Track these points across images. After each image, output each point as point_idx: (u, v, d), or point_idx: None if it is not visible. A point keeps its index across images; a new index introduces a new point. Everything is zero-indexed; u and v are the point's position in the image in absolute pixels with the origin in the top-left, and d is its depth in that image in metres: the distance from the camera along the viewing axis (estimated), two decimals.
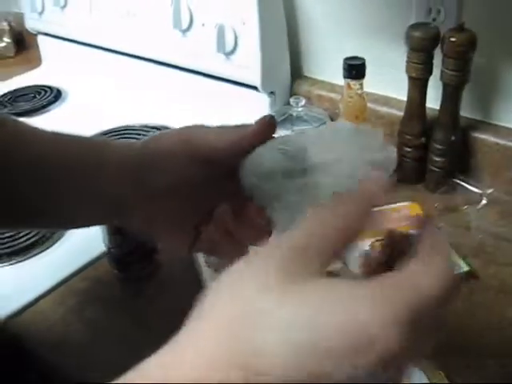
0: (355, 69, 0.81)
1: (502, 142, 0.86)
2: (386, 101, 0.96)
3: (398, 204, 0.86)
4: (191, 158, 0.48)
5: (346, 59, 0.82)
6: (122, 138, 1.09)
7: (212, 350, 0.28)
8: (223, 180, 0.49)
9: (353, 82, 0.82)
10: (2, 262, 0.81)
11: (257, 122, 0.47)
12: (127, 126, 1.12)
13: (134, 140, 1.05)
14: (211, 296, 0.31)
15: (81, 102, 1.25)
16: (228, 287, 0.31)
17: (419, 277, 0.31)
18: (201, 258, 0.72)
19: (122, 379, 0.28)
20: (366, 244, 0.77)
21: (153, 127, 1.10)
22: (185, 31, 1.03)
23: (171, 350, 0.29)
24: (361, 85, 0.83)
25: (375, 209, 0.35)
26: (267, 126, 0.47)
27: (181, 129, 0.51)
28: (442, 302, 0.31)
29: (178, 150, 0.48)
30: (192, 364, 0.28)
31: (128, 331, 0.71)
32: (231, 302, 0.30)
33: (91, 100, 1.23)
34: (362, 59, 0.81)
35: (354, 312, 0.28)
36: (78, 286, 0.76)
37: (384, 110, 0.94)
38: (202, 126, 0.50)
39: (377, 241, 0.77)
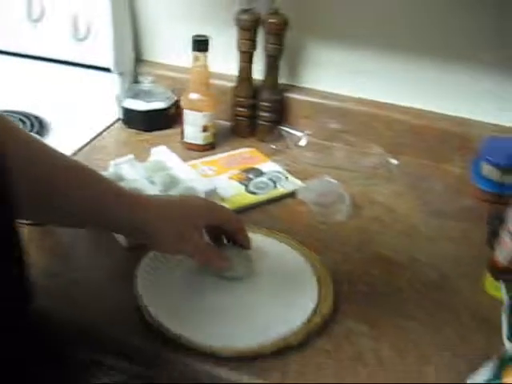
0: (202, 43, 1.03)
1: (310, 99, 1.15)
2: (219, 76, 1.18)
3: (239, 150, 1.10)
4: None
5: (194, 36, 1.03)
6: None
7: None
8: None
9: (200, 55, 1.04)
10: None
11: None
12: None
13: None
14: None
15: None
16: None
17: None
18: None
19: None
20: (223, 177, 1.00)
21: (12, 112, 1.19)
22: (37, 21, 1.16)
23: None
24: (205, 57, 1.05)
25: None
26: None
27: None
28: None
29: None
30: None
31: None
32: None
33: None
34: (206, 36, 1.04)
35: None
36: None
37: (216, 82, 1.17)
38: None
39: (233, 175, 1.01)
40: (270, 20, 1.06)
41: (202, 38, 1.03)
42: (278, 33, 1.07)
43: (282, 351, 0.67)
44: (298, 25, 1.10)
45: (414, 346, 0.71)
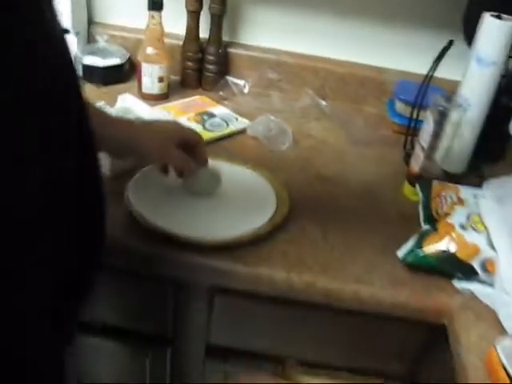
0: (157, 3, 1.18)
1: (249, 53, 1.33)
2: (168, 35, 1.33)
3: (192, 98, 1.26)
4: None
5: None
6: None
7: None
8: None
9: (156, 13, 1.19)
10: None
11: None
12: None
13: None
14: None
15: None
16: None
17: None
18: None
19: None
20: (182, 119, 1.16)
21: None
22: None
23: None
24: (160, 16, 1.20)
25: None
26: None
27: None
28: None
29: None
30: None
31: None
32: None
33: None
34: None
35: None
36: None
37: (167, 40, 1.32)
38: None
39: (190, 117, 1.17)
40: None
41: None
42: None
43: (254, 242, 0.85)
44: None
45: (354, 234, 0.91)
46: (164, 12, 1.20)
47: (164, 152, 0.87)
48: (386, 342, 0.91)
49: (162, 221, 0.84)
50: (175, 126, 0.92)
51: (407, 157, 1.10)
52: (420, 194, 0.96)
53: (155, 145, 0.87)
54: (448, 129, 0.98)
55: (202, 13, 1.26)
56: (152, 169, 0.94)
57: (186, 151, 0.90)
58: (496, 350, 0.72)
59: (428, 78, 1.10)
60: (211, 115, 1.19)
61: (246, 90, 1.28)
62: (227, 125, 1.16)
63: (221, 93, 1.27)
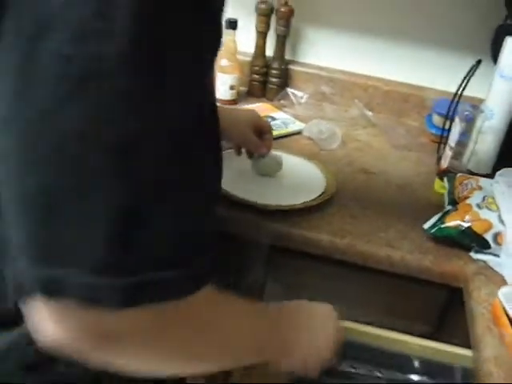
0: (233, 23, 1.41)
1: (307, 70, 1.55)
2: (239, 52, 1.56)
3: (257, 104, 1.48)
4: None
5: (227, 18, 1.41)
6: None
7: None
8: None
9: (231, 31, 1.42)
10: None
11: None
12: None
13: None
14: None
15: None
16: None
17: None
18: None
19: None
20: None
21: None
22: None
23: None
24: (234, 34, 1.43)
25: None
26: None
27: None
28: None
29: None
30: None
31: None
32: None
33: None
34: (236, 19, 1.42)
35: None
36: None
37: (238, 57, 1.54)
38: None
39: None
40: (281, 9, 1.44)
41: (233, 20, 1.41)
42: (287, 19, 1.46)
43: (307, 211, 1.05)
44: (301, 13, 1.49)
45: (389, 213, 1.10)
46: (238, 33, 1.44)
47: (243, 137, 1.08)
48: (413, 304, 1.08)
49: (236, 190, 1.04)
50: (253, 114, 1.12)
51: (439, 160, 1.29)
52: (446, 184, 1.14)
53: (237, 130, 1.07)
54: (473, 134, 1.17)
55: (268, 34, 1.49)
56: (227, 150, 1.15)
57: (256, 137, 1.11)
58: (499, 298, 0.89)
59: (459, 94, 1.29)
60: (273, 118, 1.41)
61: (302, 101, 1.49)
62: (286, 126, 1.38)
63: (281, 101, 1.48)
